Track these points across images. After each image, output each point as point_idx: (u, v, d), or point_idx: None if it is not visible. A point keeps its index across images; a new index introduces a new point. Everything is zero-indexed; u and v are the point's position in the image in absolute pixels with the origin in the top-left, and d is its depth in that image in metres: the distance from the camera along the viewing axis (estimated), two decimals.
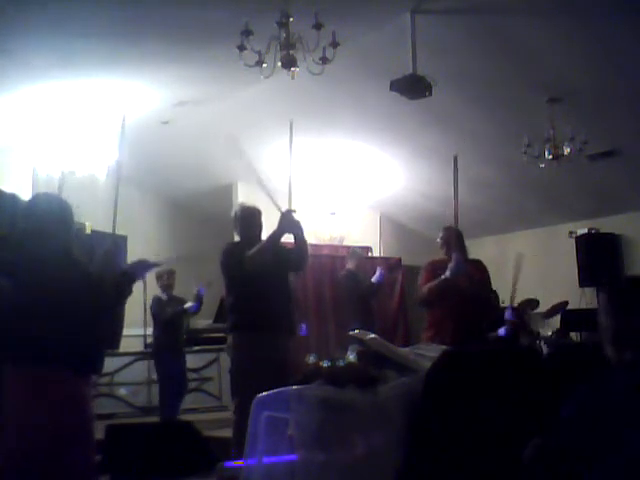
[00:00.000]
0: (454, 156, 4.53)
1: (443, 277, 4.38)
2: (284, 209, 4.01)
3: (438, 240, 4.73)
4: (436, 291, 4.42)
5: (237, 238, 4.46)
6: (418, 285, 4.64)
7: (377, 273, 7.17)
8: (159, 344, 6.77)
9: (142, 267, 2.98)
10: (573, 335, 8.01)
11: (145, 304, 7.90)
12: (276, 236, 3.99)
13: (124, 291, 2.86)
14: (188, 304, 6.75)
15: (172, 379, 6.70)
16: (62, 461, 2.57)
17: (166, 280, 6.84)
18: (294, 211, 4.00)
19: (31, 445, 2.53)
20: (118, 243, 2.99)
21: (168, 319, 6.69)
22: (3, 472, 2.54)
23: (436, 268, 4.54)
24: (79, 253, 2.83)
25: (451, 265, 4.37)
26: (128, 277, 2.88)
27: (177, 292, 7.09)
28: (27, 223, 2.76)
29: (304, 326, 4.34)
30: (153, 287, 7.66)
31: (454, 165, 4.48)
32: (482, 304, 4.53)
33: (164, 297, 6.82)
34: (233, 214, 4.36)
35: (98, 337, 2.76)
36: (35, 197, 2.99)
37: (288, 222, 3.96)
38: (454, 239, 4.56)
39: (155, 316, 6.78)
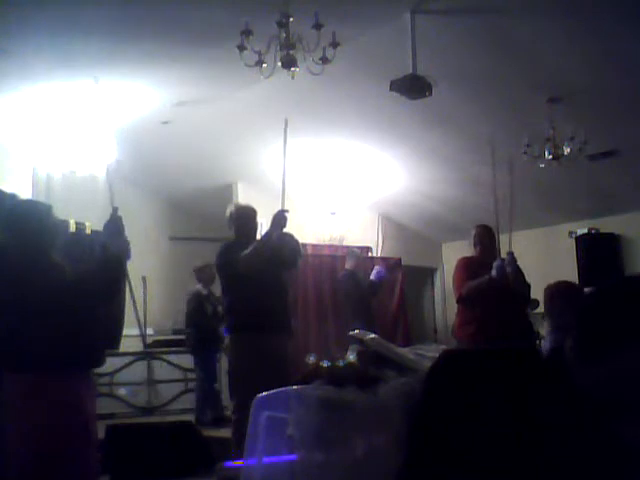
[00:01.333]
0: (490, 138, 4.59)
1: (488, 276, 4.41)
2: (277, 209, 4.00)
3: (471, 239, 4.77)
4: (478, 289, 4.44)
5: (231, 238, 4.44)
6: (454, 283, 4.67)
7: (374, 271, 7.18)
8: (199, 340, 6.65)
9: (123, 243, 2.93)
10: None
11: (145, 304, 7.92)
12: (269, 236, 3.98)
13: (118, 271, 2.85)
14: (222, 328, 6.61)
15: (212, 375, 6.65)
16: (65, 461, 2.57)
17: (207, 273, 6.66)
18: (287, 211, 3.98)
19: (34, 447, 2.53)
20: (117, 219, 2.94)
21: (209, 316, 6.59)
22: (8, 474, 2.55)
23: (473, 266, 4.58)
24: (63, 254, 2.84)
25: (497, 265, 4.41)
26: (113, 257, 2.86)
27: (179, 294, 7.08)
28: (10, 230, 2.78)
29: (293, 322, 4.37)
30: (153, 287, 7.66)
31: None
32: (523, 301, 4.56)
33: (204, 291, 6.71)
34: (228, 214, 4.35)
35: (93, 332, 2.76)
36: (16, 204, 3.03)
37: (280, 222, 3.95)
38: (486, 238, 4.61)
39: (193, 311, 6.65)
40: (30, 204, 3.01)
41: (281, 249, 4.11)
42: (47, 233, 2.82)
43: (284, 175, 4.10)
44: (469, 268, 4.58)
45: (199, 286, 6.75)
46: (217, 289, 6.69)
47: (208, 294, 6.73)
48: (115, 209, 2.93)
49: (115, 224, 2.88)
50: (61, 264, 2.78)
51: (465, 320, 4.58)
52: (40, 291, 2.61)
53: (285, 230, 4.03)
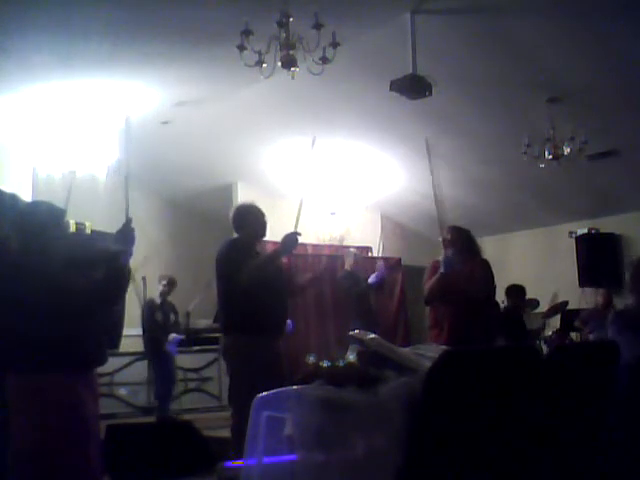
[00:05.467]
0: (426, 139, 4.56)
1: (438, 274, 4.41)
2: (290, 231, 3.92)
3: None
4: (436, 289, 4.44)
5: (235, 235, 4.37)
6: (423, 284, 4.65)
7: (374, 274, 7.21)
8: (151, 346, 6.98)
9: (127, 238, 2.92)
10: (573, 335, 8.02)
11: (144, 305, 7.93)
12: (276, 256, 3.94)
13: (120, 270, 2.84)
14: (171, 337, 6.95)
15: (165, 378, 6.86)
16: (67, 461, 2.58)
17: (164, 286, 7.08)
18: (299, 234, 3.91)
19: (36, 447, 2.53)
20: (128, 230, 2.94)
21: (159, 324, 6.90)
22: (11, 474, 2.55)
23: (438, 267, 4.56)
24: (75, 255, 2.83)
25: (441, 261, 4.42)
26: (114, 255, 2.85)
27: (179, 295, 7.17)
28: (23, 230, 2.77)
29: (290, 323, 4.30)
30: (154, 287, 7.67)
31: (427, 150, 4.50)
32: (482, 303, 4.52)
33: (157, 300, 7.03)
34: (232, 213, 4.27)
35: (96, 331, 2.77)
36: (30, 205, 3.01)
37: (290, 245, 3.89)
38: (458, 239, 4.58)
39: (145, 319, 6.97)
40: (44, 207, 2.95)
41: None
42: (58, 236, 2.81)
43: (302, 197, 3.98)
44: (433, 271, 4.54)
45: (155, 295, 7.11)
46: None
47: (161, 303, 7.06)
48: (129, 220, 2.92)
49: (128, 234, 2.88)
50: (66, 266, 2.77)
51: (431, 322, 4.59)
52: (45, 292, 2.60)
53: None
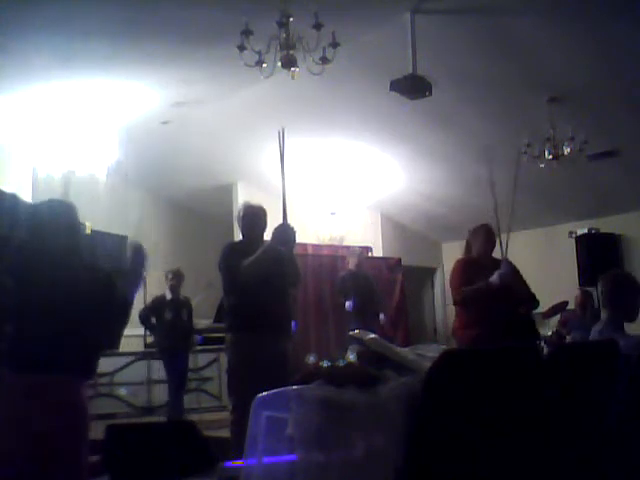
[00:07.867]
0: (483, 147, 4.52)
1: (491, 280, 4.32)
2: (279, 223, 3.93)
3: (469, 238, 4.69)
4: (476, 294, 4.35)
5: (240, 237, 4.41)
6: (452, 284, 4.54)
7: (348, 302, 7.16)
8: (160, 345, 6.87)
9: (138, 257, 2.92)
10: None
11: (145, 304, 7.93)
12: (270, 249, 3.93)
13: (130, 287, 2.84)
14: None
15: (171, 379, 6.77)
16: (51, 466, 2.56)
17: (170, 280, 6.88)
18: (290, 226, 3.92)
19: (19, 449, 2.52)
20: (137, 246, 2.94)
21: (168, 322, 6.74)
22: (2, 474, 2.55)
23: (471, 267, 4.50)
24: (84, 255, 2.83)
25: (501, 272, 4.32)
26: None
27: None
28: (33, 228, 2.76)
29: (294, 323, 4.31)
30: (154, 287, 7.68)
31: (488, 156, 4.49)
32: (523, 303, 4.51)
33: (168, 296, 6.85)
34: (237, 213, 4.32)
35: (97, 340, 2.76)
36: (41, 202, 2.99)
37: (279, 236, 3.90)
38: (486, 237, 4.55)
39: (148, 318, 6.83)
40: (57, 205, 2.92)
41: (285, 263, 4.08)
42: (71, 235, 2.80)
43: (284, 188, 3.99)
44: (466, 270, 4.47)
45: (167, 291, 6.89)
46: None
47: (171, 300, 6.83)
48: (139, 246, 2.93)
49: (140, 257, 2.88)
50: (79, 267, 2.76)
51: (466, 323, 4.47)
52: (44, 292, 2.60)
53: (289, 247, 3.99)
